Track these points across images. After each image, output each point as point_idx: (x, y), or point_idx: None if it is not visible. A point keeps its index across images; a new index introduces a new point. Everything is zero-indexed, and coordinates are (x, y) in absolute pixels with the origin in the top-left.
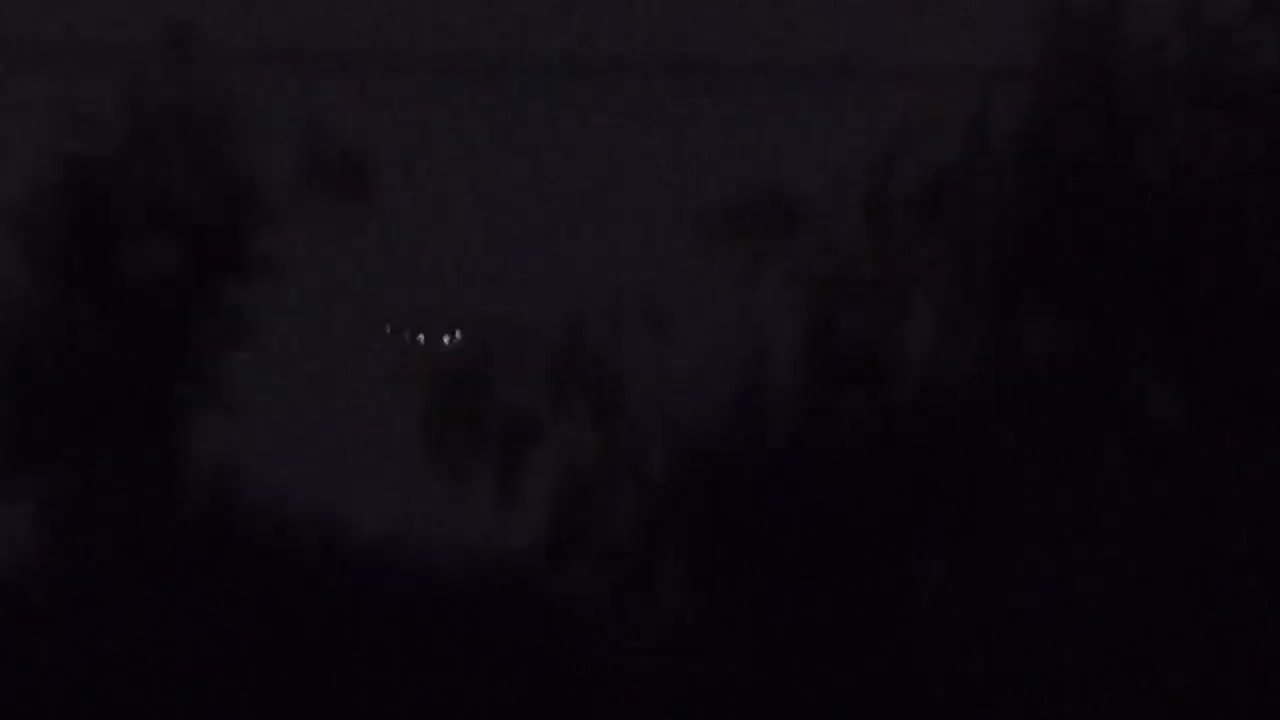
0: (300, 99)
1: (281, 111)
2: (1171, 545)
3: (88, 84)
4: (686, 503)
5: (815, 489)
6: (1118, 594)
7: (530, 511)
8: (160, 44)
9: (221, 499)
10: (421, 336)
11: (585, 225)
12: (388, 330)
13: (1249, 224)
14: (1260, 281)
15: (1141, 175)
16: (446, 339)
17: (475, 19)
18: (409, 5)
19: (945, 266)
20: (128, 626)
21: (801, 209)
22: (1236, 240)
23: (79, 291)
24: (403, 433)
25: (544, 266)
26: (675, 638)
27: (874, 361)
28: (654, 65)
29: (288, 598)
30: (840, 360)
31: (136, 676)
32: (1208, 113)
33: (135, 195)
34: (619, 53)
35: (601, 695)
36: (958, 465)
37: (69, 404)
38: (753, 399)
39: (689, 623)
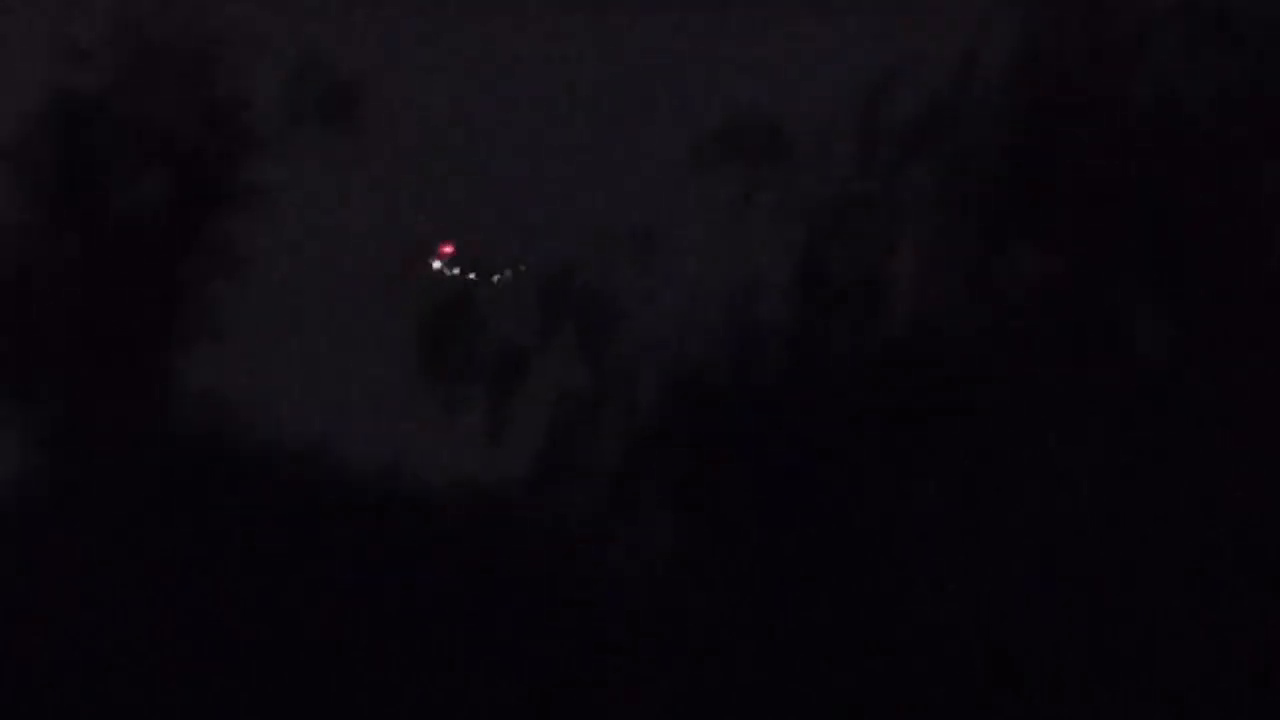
0: (296, 28)
1: (278, 41)
2: (1160, 476)
3: (82, 16)
4: (677, 432)
5: (805, 418)
6: (1107, 521)
7: (522, 441)
8: None
9: (213, 430)
10: (416, 268)
11: (579, 154)
12: (381, 261)
13: (1243, 154)
14: (1253, 213)
15: (1135, 105)
16: (439, 269)
17: None
18: None
19: (938, 195)
20: (119, 559)
21: (795, 137)
22: (1229, 170)
23: (73, 223)
24: (395, 363)
25: (537, 195)
26: (668, 569)
27: (864, 291)
28: None
29: (279, 527)
30: (831, 290)
31: (131, 610)
32: (1202, 41)
33: (130, 127)
34: None
35: (591, 625)
36: (947, 394)
37: (62, 335)
38: (743, 328)
39: (680, 552)
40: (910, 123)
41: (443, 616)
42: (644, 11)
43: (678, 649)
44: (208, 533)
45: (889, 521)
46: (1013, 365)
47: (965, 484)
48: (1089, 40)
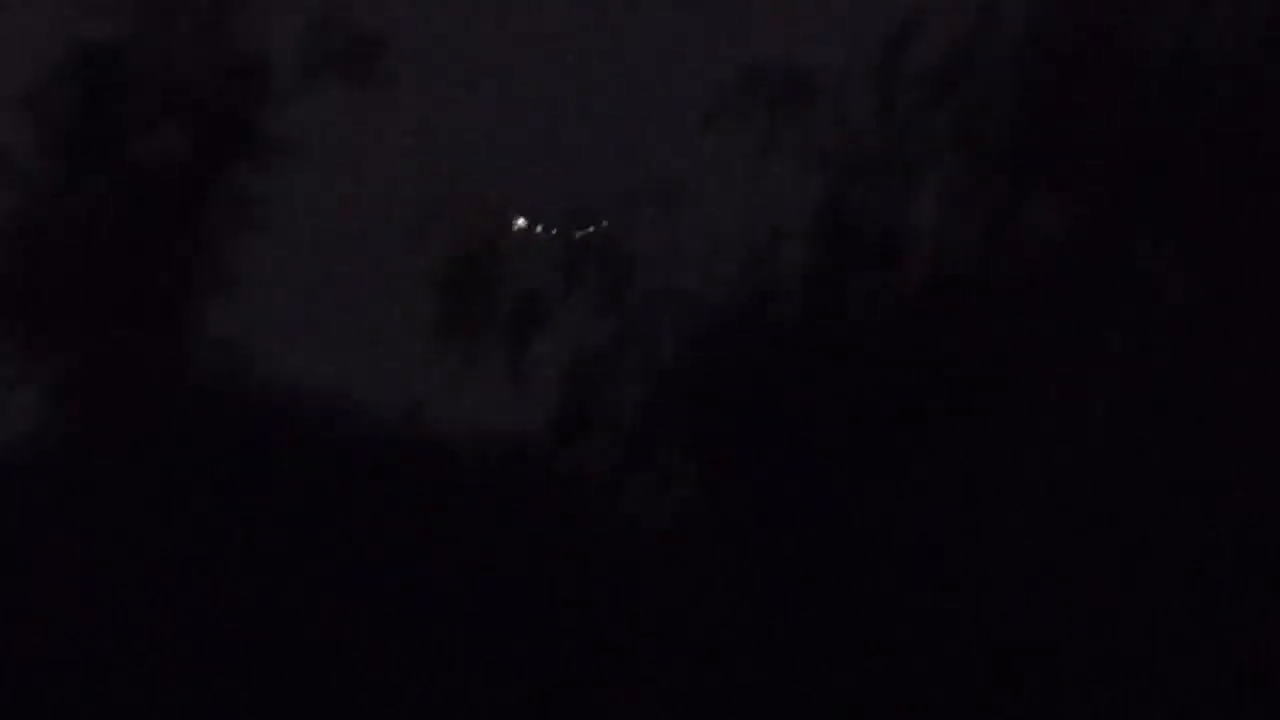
0: None
1: None
2: (1177, 424)
3: None
4: (697, 382)
5: (825, 368)
6: (1122, 473)
7: (542, 392)
8: None
9: (233, 381)
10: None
11: (598, 101)
12: (401, 213)
13: (1265, 102)
14: (1277, 160)
15: (1156, 52)
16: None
17: None
18: None
19: (959, 143)
20: (140, 508)
21: (816, 83)
22: (1251, 118)
23: (92, 174)
24: (416, 314)
25: (556, 143)
26: (687, 520)
27: (885, 241)
28: None
29: (299, 477)
30: (853, 238)
31: (147, 552)
32: None
33: (149, 77)
34: None
35: (610, 577)
36: (968, 344)
37: (81, 286)
38: (763, 279)
39: (699, 503)
40: (931, 72)
41: (461, 566)
42: None
43: (695, 601)
44: (227, 485)
45: (907, 472)
46: (1033, 314)
47: (986, 434)
48: None
